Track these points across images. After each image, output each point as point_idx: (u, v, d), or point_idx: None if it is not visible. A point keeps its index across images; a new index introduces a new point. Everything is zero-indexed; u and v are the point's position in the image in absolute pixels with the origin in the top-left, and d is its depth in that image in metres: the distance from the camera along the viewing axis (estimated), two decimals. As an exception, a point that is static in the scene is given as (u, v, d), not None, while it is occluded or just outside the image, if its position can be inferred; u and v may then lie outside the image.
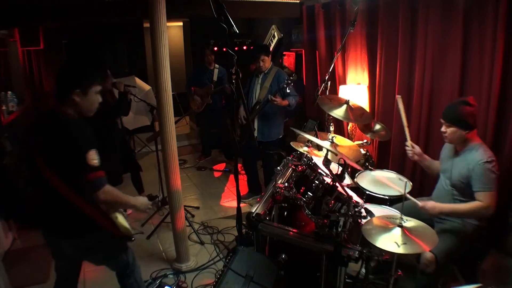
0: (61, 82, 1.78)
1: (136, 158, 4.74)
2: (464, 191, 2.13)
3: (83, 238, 1.85)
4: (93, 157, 1.68)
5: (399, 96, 2.53)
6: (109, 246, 1.95)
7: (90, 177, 1.68)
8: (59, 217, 1.82)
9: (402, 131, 3.25)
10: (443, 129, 2.18)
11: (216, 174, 5.03)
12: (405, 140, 3.28)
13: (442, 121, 2.17)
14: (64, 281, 2.07)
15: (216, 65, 4.99)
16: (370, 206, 2.38)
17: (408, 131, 2.49)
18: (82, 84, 1.77)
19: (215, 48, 5.12)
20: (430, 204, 2.15)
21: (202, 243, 3.25)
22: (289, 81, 3.39)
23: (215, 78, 4.95)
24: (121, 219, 1.88)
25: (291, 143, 2.62)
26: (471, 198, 2.09)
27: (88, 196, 1.73)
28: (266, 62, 3.65)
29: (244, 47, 5.72)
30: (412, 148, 2.50)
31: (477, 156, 2.06)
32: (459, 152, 2.21)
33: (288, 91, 3.49)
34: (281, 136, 3.82)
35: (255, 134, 3.72)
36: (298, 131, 2.47)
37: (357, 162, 2.48)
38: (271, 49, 5.38)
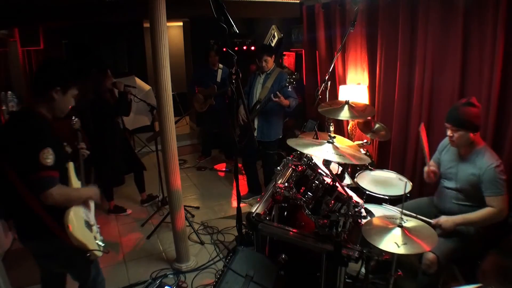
0: (43, 77, 1.74)
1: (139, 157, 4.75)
2: (472, 195, 2.12)
3: (41, 242, 1.77)
4: (47, 156, 1.61)
5: (422, 125, 2.48)
6: (69, 256, 1.82)
7: (39, 176, 1.60)
8: (20, 217, 1.77)
9: (403, 131, 3.27)
10: (449, 133, 2.14)
11: (216, 174, 5.03)
12: (405, 140, 3.28)
13: (448, 125, 2.13)
14: None
15: (220, 66, 4.97)
16: (370, 206, 2.38)
17: (428, 157, 2.40)
18: (64, 82, 1.75)
19: (217, 46, 5.11)
20: (442, 219, 2.12)
21: (202, 243, 3.25)
22: (291, 80, 3.38)
23: (218, 79, 4.93)
24: (75, 230, 1.72)
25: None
26: (477, 201, 2.08)
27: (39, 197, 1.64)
28: (269, 63, 3.63)
29: (244, 47, 5.71)
30: (429, 173, 2.37)
31: (486, 160, 2.04)
32: (464, 156, 2.17)
33: (289, 90, 3.48)
34: (280, 137, 3.83)
35: (255, 134, 3.72)
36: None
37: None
38: (271, 49, 5.39)
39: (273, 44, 5.36)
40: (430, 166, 2.39)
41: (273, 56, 3.68)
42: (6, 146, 1.67)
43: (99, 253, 1.83)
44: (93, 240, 1.84)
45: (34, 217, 1.69)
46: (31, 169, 1.60)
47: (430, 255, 2.04)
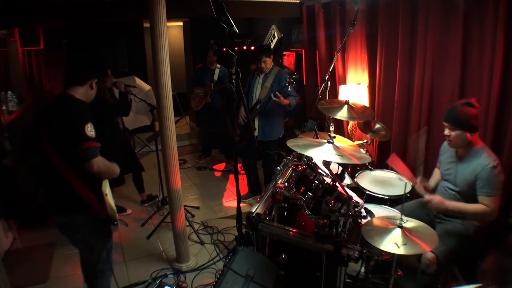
0: (87, 66, 1.97)
1: (138, 158, 4.74)
2: (469, 196, 2.12)
3: (67, 216, 1.94)
4: (91, 129, 1.81)
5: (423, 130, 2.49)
6: (88, 230, 1.98)
7: (85, 146, 1.78)
8: (57, 193, 1.93)
9: (403, 131, 3.27)
10: (446, 132, 2.14)
11: (216, 174, 5.03)
12: (405, 140, 3.28)
13: (446, 124, 2.12)
14: None
15: (218, 65, 5.00)
16: (370, 206, 2.38)
17: (422, 167, 2.33)
18: (101, 75, 1.98)
19: (216, 47, 5.13)
20: (437, 198, 2.11)
21: (202, 243, 3.25)
22: (291, 80, 3.38)
23: (215, 77, 4.96)
24: (110, 198, 1.94)
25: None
26: (475, 202, 2.08)
27: (86, 173, 1.81)
28: (268, 63, 3.64)
29: (244, 47, 5.71)
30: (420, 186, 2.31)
31: (483, 160, 2.03)
32: (462, 157, 2.17)
33: (289, 89, 3.48)
34: (281, 136, 3.83)
35: (256, 134, 3.72)
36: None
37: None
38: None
39: (273, 44, 5.36)
40: (419, 181, 2.32)
41: (272, 56, 3.68)
42: (48, 127, 1.85)
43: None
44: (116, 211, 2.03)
45: (70, 192, 1.85)
46: (77, 141, 1.78)
47: (429, 255, 2.04)
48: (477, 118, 2.08)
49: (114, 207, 1.99)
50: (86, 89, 1.96)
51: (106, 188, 1.95)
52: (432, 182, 2.47)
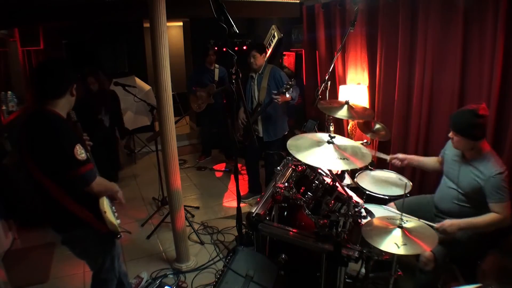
0: (62, 76, 1.79)
1: (119, 158, 4.86)
2: (473, 198, 2.11)
3: (68, 233, 1.90)
4: (81, 151, 1.71)
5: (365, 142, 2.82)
6: (89, 243, 1.94)
7: (81, 171, 1.71)
8: (48, 212, 1.87)
9: (403, 130, 3.28)
10: (450, 135, 2.15)
11: (217, 174, 5.03)
12: (405, 140, 3.29)
13: (450, 127, 2.13)
14: None
15: (216, 65, 4.99)
16: (370, 206, 2.38)
17: (383, 154, 2.76)
18: (76, 78, 1.86)
19: (215, 48, 5.13)
20: (447, 222, 2.06)
21: (202, 243, 3.25)
22: (289, 86, 3.36)
23: (216, 78, 4.95)
24: (109, 215, 1.88)
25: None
26: (478, 204, 2.07)
27: (78, 192, 1.75)
28: (257, 59, 3.57)
29: (244, 47, 5.71)
30: (396, 159, 2.61)
31: (491, 167, 2.01)
32: (468, 159, 2.15)
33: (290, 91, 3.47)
34: (286, 133, 3.82)
35: (261, 135, 3.72)
36: None
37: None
38: (270, 49, 5.38)
39: (273, 44, 5.36)
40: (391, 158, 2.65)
41: (264, 54, 3.62)
42: (31, 149, 1.73)
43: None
44: (117, 224, 1.98)
45: (65, 210, 1.78)
46: (69, 167, 1.69)
47: (427, 253, 2.04)
48: (481, 127, 2.04)
49: (115, 222, 1.91)
50: (67, 98, 1.81)
51: (104, 205, 1.86)
52: (415, 161, 2.60)
